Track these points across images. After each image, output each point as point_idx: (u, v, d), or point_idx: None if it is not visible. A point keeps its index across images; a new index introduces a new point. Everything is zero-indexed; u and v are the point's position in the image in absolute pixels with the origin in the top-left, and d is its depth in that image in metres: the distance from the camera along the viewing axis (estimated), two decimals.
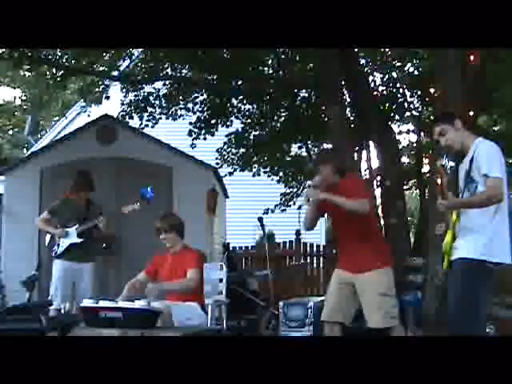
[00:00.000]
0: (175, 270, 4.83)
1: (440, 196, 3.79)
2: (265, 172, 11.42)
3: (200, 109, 10.38)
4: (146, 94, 10.09)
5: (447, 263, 3.72)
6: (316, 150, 11.90)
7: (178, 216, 5.22)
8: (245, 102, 10.36)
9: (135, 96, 10.11)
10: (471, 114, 7.12)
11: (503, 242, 3.58)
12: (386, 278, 4.23)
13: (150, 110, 10.13)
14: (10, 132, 22.11)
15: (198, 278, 4.82)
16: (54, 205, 6.10)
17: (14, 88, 21.76)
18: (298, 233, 10.26)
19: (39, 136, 17.93)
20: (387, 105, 10.18)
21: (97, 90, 10.18)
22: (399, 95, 10.48)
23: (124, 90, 10.18)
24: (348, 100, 8.82)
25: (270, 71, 10.41)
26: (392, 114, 10.37)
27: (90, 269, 5.91)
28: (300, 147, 11.24)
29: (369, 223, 4.28)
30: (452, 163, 3.82)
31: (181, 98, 10.22)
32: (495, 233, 3.56)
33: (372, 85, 9.90)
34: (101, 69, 9.87)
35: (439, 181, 3.82)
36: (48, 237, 6.08)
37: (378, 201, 8.56)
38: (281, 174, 11.47)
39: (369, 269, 4.22)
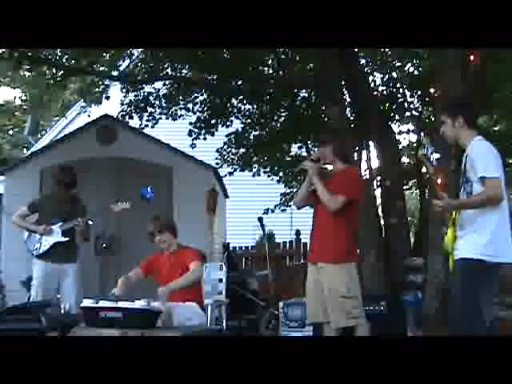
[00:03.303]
0: (175, 269, 4.82)
1: (435, 192, 3.81)
2: (265, 172, 11.41)
3: (200, 109, 10.37)
4: (146, 94, 10.07)
5: (452, 263, 3.72)
6: (316, 149, 11.92)
7: (167, 216, 5.22)
8: (245, 102, 10.34)
9: (135, 96, 10.10)
10: None
11: (503, 242, 3.57)
12: (347, 278, 4.25)
13: (150, 110, 10.12)
14: (10, 132, 22.09)
15: (201, 270, 4.85)
16: (35, 200, 5.77)
17: (14, 88, 21.73)
18: (297, 233, 10.27)
19: (39, 136, 17.89)
20: (387, 105, 10.18)
21: (97, 90, 10.17)
22: (399, 95, 10.48)
23: (124, 90, 10.16)
24: (348, 100, 8.82)
25: (270, 71, 10.40)
26: (392, 114, 10.36)
27: (73, 269, 5.52)
28: (300, 147, 11.23)
29: (341, 218, 4.28)
30: (437, 155, 3.83)
31: (181, 97, 10.21)
32: (495, 232, 3.55)
33: (372, 85, 9.90)
34: (101, 69, 9.86)
35: (425, 169, 3.85)
36: (26, 233, 5.61)
37: (378, 201, 8.56)
38: (281, 174, 11.47)
39: (327, 261, 4.25)
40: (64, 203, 5.62)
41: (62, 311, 4.62)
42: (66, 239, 5.50)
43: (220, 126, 10.47)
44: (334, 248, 4.27)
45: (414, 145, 11.54)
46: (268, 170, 11.35)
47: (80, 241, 5.74)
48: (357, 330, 4.24)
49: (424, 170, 10.05)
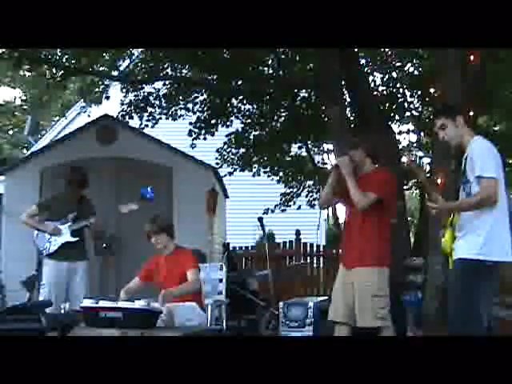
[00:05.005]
0: (172, 272, 4.84)
1: (429, 194, 3.81)
2: (265, 172, 11.42)
3: (200, 109, 10.38)
4: (145, 94, 10.08)
5: (452, 264, 3.72)
6: (316, 149, 11.94)
7: (165, 217, 5.24)
8: (245, 102, 10.35)
9: (135, 96, 10.11)
10: (471, 114, 7.12)
11: (501, 241, 3.56)
12: (378, 278, 4.24)
13: (150, 110, 10.13)
14: (10, 132, 22.10)
15: (199, 280, 4.90)
16: (44, 199, 5.81)
17: (14, 88, 21.75)
18: (297, 233, 10.26)
19: (39, 136, 17.90)
20: (387, 105, 10.18)
21: (97, 90, 10.18)
22: (399, 95, 10.49)
23: (124, 90, 10.17)
24: (348, 100, 8.81)
25: (270, 71, 10.40)
26: (392, 114, 10.37)
27: (82, 268, 5.62)
28: (300, 147, 11.24)
29: (374, 219, 4.26)
30: (428, 159, 3.85)
31: (181, 97, 10.22)
32: (492, 232, 3.54)
33: (372, 85, 9.90)
34: (101, 69, 9.86)
35: (417, 175, 3.83)
36: (35, 232, 5.68)
37: None
38: (281, 174, 11.48)
39: (361, 265, 4.23)
40: (73, 203, 5.68)
41: (62, 311, 4.62)
42: (76, 239, 5.59)
43: (220, 126, 10.48)
44: (369, 252, 4.24)
45: (414, 145, 11.55)
46: (268, 169, 11.36)
47: (91, 240, 5.93)
48: (382, 331, 4.21)
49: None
